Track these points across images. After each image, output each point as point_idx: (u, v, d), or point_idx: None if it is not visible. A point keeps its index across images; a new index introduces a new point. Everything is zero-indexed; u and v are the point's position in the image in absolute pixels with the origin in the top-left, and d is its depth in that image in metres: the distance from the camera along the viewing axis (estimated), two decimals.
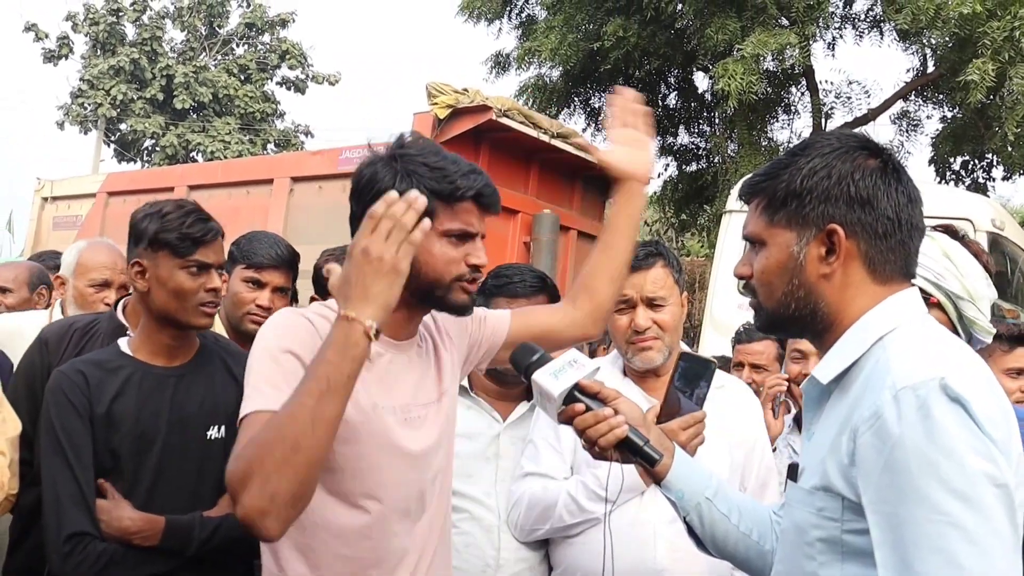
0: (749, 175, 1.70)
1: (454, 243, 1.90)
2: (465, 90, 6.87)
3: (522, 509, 2.58)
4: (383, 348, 1.97)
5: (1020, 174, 11.40)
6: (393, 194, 1.70)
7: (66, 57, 28.64)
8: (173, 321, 2.36)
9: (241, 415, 1.77)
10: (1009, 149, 9.09)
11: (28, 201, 10.40)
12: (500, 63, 12.42)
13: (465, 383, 2.76)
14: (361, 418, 1.88)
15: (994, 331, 2.42)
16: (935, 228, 2.38)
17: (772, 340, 4.14)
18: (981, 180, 12.82)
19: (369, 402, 1.90)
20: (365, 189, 1.92)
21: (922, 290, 2.52)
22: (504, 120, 6.89)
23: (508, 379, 2.74)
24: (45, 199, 10.27)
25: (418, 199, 1.70)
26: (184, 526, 2.24)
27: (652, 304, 2.58)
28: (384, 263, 1.67)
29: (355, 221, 1.95)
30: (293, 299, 3.44)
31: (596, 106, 12.56)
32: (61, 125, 29.07)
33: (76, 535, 2.15)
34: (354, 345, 1.65)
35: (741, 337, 4.19)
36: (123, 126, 28.87)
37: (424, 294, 1.93)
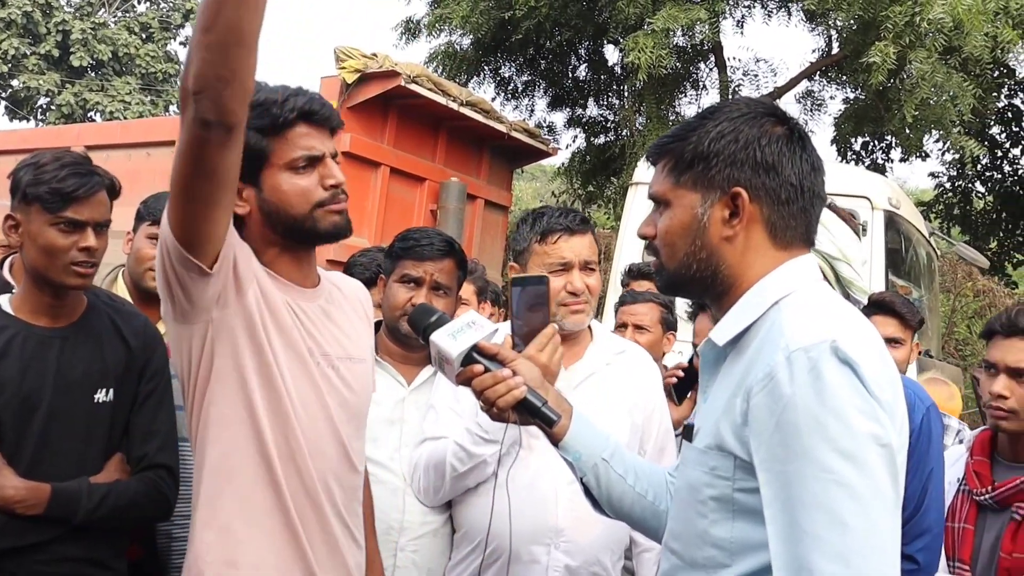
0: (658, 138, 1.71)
1: (302, 172, 1.90)
2: (374, 55, 6.80)
3: (420, 472, 2.59)
4: (292, 297, 1.97)
5: (916, 156, 11.75)
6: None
7: None
8: (45, 279, 2.23)
9: None
10: (907, 131, 9.31)
11: None
12: (410, 29, 12.22)
13: None
14: (301, 367, 1.93)
15: (868, 292, 2.51)
16: None
17: (655, 303, 4.14)
18: (880, 161, 13.19)
19: (306, 347, 1.94)
20: None
21: None
22: (413, 87, 6.83)
23: (412, 343, 2.71)
24: None
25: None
26: (71, 494, 2.16)
27: (586, 267, 2.61)
28: None
29: None
30: None
31: (506, 75, 12.53)
32: None
33: None
34: None
35: (625, 299, 4.16)
36: (15, 82, 27.74)
37: (293, 231, 1.93)
